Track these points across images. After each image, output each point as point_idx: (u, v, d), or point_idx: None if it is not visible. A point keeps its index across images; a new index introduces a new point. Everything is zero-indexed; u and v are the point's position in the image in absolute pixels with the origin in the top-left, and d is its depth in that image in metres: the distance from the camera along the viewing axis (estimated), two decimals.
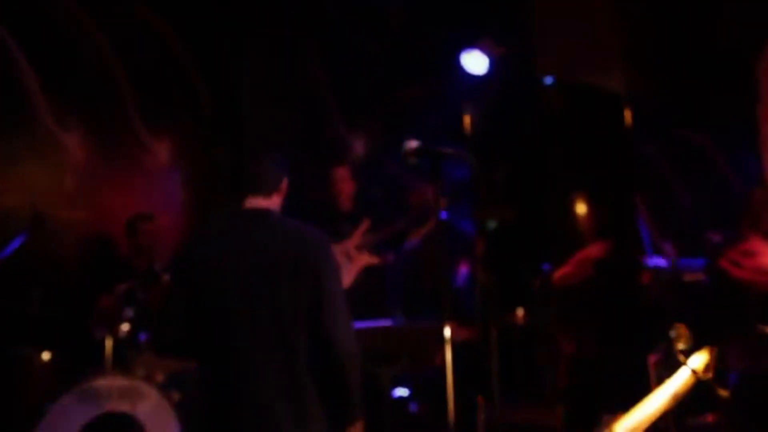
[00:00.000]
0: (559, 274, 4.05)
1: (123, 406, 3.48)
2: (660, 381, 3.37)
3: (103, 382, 3.50)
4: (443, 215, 2.09)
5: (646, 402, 2.21)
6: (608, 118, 4.61)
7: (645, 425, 2.19)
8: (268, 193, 2.22)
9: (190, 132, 5.23)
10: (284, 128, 5.07)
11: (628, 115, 4.60)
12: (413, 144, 2.06)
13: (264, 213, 2.20)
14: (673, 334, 2.22)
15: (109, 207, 4.84)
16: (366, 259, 3.84)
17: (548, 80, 4.42)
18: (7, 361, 3.87)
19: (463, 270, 4.71)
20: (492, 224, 1.93)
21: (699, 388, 2.24)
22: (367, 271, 3.78)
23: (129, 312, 3.69)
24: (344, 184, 4.00)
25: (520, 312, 4.21)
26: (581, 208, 4.57)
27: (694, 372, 2.11)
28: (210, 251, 2.17)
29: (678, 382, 2.15)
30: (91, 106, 4.89)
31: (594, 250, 4.20)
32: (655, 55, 4.55)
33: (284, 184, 2.27)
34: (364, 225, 3.90)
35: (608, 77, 4.47)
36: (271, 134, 5.04)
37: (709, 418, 3.49)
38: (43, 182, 4.74)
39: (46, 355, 3.91)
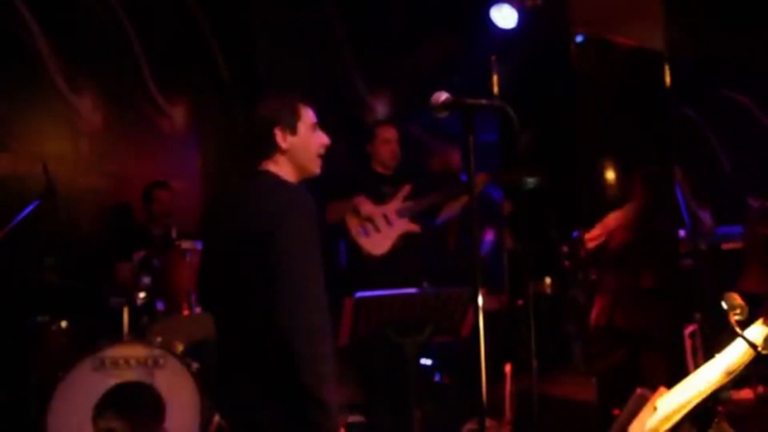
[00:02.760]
0: (587, 238, 3.86)
1: (141, 376, 3.41)
2: (695, 353, 3.21)
3: (120, 351, 3.42)
4: (476, 176, 1.87)
5: (695, 377, 2.03)
6: (645, 78, 4.37)
7: (694, 402, 2.02)
8: (263, 157, 2.05)
9: (207, 96, 5.09)
10: (302, 90, 4.90)
11: (666, 74, 4.36)
12: (442, 96, 1.86)
13: (254, 175, 2.05)
14: (726, 304, 2.02)
15: (124, 173, 4.76)
16: (406, 226, 3.71)
17: (580, 37, 4.18)
18: (24, 329, 3.82)
19: (489, 237, 4.56)
20: (531, 183, 1.73)
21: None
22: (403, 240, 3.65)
23: (146, 280, 3.60)
24: (387, 144, 3.82)
25: (548, 280, 4.07)
26: (613, 173, 4.38)
27: (752, 345, 1.91)
28: (210, 216, 2.23)
29: (733, 356, 1.95)
30: (105, 70, 4.78)
31: (618, 215, 4.00)
32: (697, 11, 4.29)
33: (278, 138, 2.03)
34: (405, 190, 3.75)
35: (646, 34, 4.23)
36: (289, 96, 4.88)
37: (760, 389, 3.33)
38: (58, 148, 4.65)
39: (63, 323, 3.85)
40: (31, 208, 3.68)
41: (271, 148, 2.05)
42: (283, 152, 2.06)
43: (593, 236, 3.82)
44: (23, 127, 4.56)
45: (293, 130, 2.07)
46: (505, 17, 4.00)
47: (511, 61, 4.21)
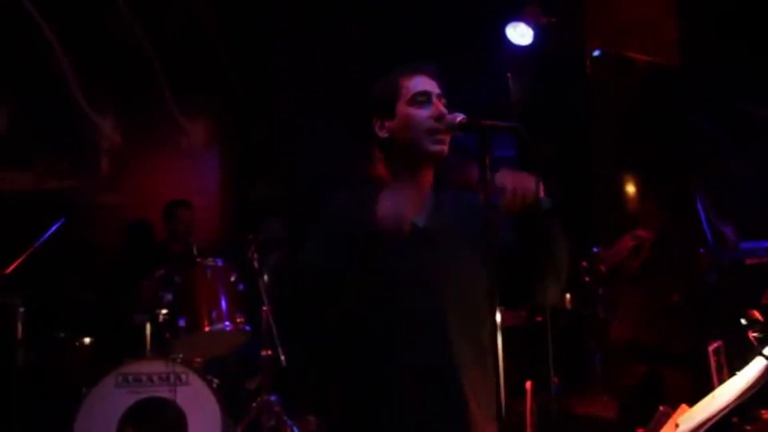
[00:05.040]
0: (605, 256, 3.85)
1: (163, 392, 3.45)
2: (720, 370, 3.18)
3: (143, 367, 3.47)
4: (492, 194, 1.84)
5: (715, 394, 2.03)
6: (661, 92, 4.36)
7: (714, 419, 2.02)
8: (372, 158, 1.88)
9: (225, 114, 5.16)
10: (317, 105, 4.95)
11: (684, 87, 4.35)
12: (458, 117, 1.86)
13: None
14: (745, 321, 2.02)
15: (145, 190, 4.82)
16: None
17: (596, 52, 4.19)
18: (49, 345, 3.88)
19: None
20: (547, 203, 1.69)
21: None
22: None
23: (167, 296, 3.64)
24: None
25: (567, 296, 4.05)
26: (631, 188, 4.36)
27: None
28: None
29: (753, 373, 1.95)
30: (126, 89, 4.86)
31: (638, 233, 3.98)
32: (713, 24, 4.28)
33: (376, 130, 1.84)
34: None
35: (662, 48, 4.23)
36: (304, 112, 4.93)
37: None
38: (80, 166, 4.74)
39: (86, 340, 3.91)
40: (56, 226, 3.75)
41: (373, 145, 1.84)
42: (383, 144, 1.82)
43: (612, 254, 3.80)
44: (47, 145, 4.65)
45: (391, 114, 1.81)
46: (520, 35, 4.02)
47: (526, 78, 4.23)
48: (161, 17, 4.97)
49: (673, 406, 2.33)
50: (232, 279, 3.72)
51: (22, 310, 3.58)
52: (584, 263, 3.92)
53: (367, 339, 1.76)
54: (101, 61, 4.77)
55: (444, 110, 1.78)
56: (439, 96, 1.82)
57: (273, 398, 3.73)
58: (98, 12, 4.78)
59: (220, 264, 3.73)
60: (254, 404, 3.73)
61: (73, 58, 4.68)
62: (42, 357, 3.81)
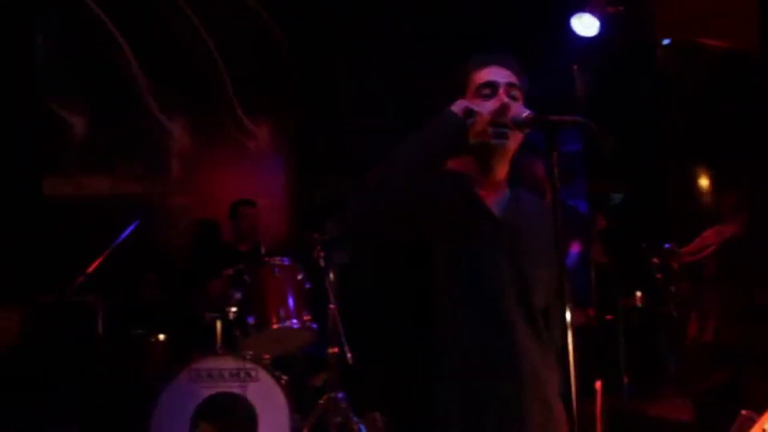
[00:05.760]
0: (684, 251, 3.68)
1: (234, 387, 3.54)
2: None
3: (214, 363, 3.57)
4: (561, 191, 1.79)
5: None
6: (737, 80, 4.16)
7: None
8: None
9: (289, 116, 5.25)
10: (380, 105, 4.97)
11: (761, 76, 4.14)
12: (524, 112, 1.79)
13: None
14: None
15: (213, 192, 4.96)
16: None
17: (666, 41, 4.02)
18: (126, 341, 4.04)
19: (574, 250, 4.45)
20: (618, 198, 1.62)
21: None
22: None
23: (237, 295, 3.73)
24: None
25: (638, 294, 3.92)
26: (705, 181, 4.18)
27: None
28: None
29: None
30: (194, 94, 5.02)
31: (719, 230, 3.79)
32: None
33: None
34: None
35: (738, 33, 4.02)
36: (367, 112, 4.96)
37: None
38: (152, 168, 4.91)
39: (161, 336, 4.06)
40: (132, 227, 3.90)
41: None
42: None
43: (691, 250, 3.64)
44: (122, 150, 4.84)
45: None
46: (586, 26, 3.91)
47: (593, 70, 4.11)
48: (227, 23, 5.10)
49: (758, 411, 2.24)
50: (299, 278, 3.78)
51: (101, 308, 3.74)
52: (655, 259, 3.78)
53: (435, 309, 1.74)
54: (170, 67, 4.94)
55: (507, 102, 1.73)
56: (509, 86, 1.76)
57: (340, 395, 3.77)
58: (166, 19, 4.95)
59: (287, 263, 3.80)
60: (321, 401, 3.78)
61: (144, 66, 4.87)
62: (120, 352, 3.97)
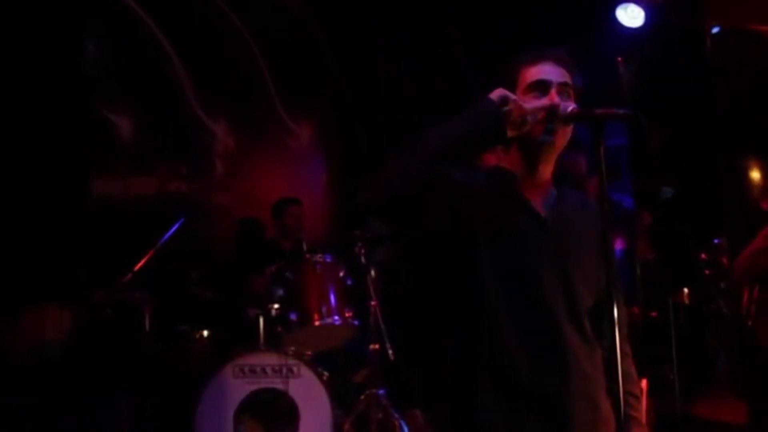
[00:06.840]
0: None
1: (277, 383, 3.57)
2: None
3: (257, 359, 3.61)
4: (607, 187, 1.74)
5: None
6: None
7: None
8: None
9: (331, 116, 5.28)
10: (421, 104, 4.96)
11: None
12: (570, 106, 1.71)
13: None
14: None
15: (255, 191, 5.03)
16: None
17: (716, 29, 3.89)
18: (172, 337, 4.12)
19: (618, 246, 4.36)
20: (669, 192, 1.58)
21: None
22: None
23: (279, 291, 3.76)
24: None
25: (686, 291, 3.81)
26: (757, 174, 4.04)
27: None
28: None
29: None
30: (237, 95, 5.09)
31: None
32: None
33: None
34: None
35: None
36: (408, 111, 4.95)
37: None
38: (196, 168, 5.01)
39: (205, 332, 4.12)
40: (176, 226, 3.97)
41: None
42: None
43: (756, 249, 3.46)
44: (167, 151, 4.95)
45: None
46: (631, 16, 3.82)
47: (639, 62, 4.01)
48: (269, 24, 5.17)
49: None
50: (341, 274, 3.79)
51: (148, 305, 3.82)
52: (704, 255, 3.65)
53: (478, 306, 1.71)
54: (214, 69, 5.03)
55: (557, 101, 1.68)
56: (562, 85, 1.72)
57: (381, 392, 3.77)
58: (210, 22, 5.04)
59: (328, 260, 3.82)
60: (362, 397, 3.79)
61: (188, 69, 4.97)
62: (166, 348, 4.05)
